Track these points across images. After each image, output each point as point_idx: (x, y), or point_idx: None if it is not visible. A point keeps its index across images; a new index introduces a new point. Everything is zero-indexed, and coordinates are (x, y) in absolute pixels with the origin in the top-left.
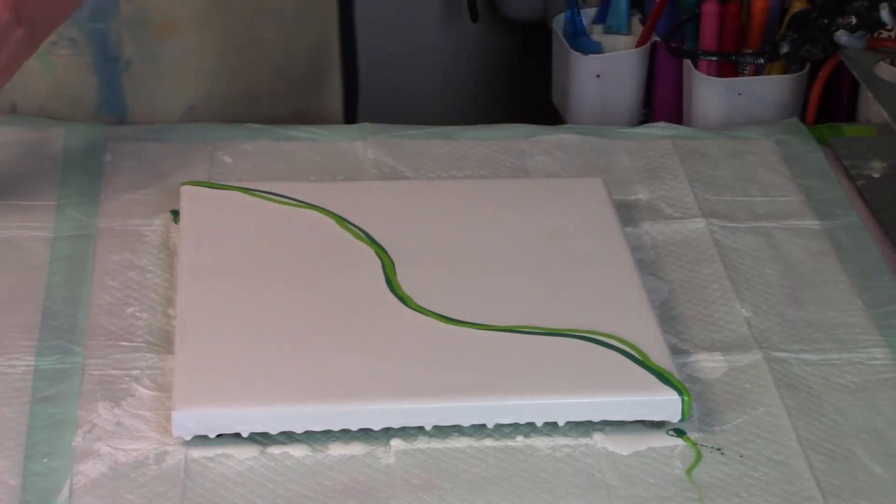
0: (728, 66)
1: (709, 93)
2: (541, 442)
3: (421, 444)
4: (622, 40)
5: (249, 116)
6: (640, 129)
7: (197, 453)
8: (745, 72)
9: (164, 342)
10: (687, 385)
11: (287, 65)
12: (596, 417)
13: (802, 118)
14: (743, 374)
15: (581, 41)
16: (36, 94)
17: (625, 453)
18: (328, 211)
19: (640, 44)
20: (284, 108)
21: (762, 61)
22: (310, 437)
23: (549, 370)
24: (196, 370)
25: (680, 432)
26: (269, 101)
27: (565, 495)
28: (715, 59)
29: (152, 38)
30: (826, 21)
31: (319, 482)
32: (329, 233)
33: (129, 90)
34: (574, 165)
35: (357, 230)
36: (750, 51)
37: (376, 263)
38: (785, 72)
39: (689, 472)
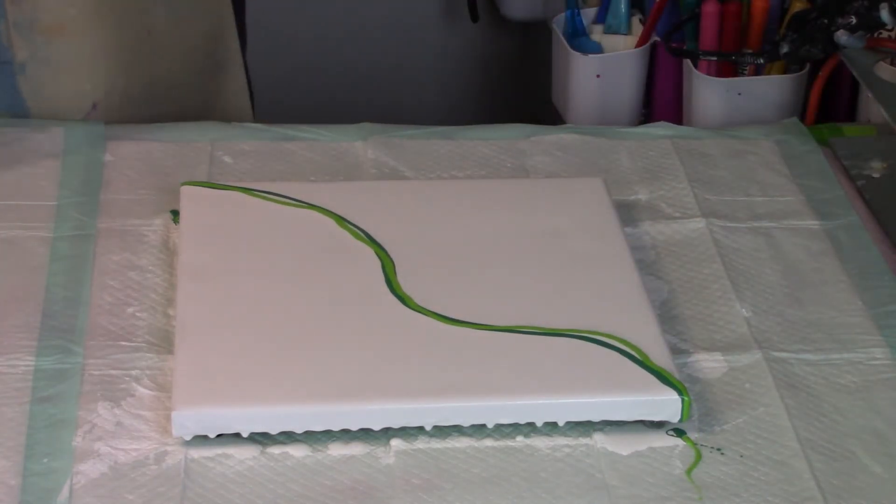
0: (728, 66)
1: (709, 93)
2: (541, 442)
3: (421, 444)
4: (622, 40)
5: (152, 113)
6: (640, 129)
7: (197, 453)
8: (745, 72)
9: (164, 342)
10: (687, 385)
11: (185, 57)
12: (596, 417)
13: (802, 118)
14: (743, 374)
15: (581, 41)
16: None
17: (625, 453)
18: (328, 211)
19: (640, 44)
20: (189, 104)
21: (762, 61)
22: (310, 437)
23: (549, 370)
24: (196, 370)
25: (680, 432)
26: (172, 95)
27: (565, 495)
28: (715, 59)
29: (43, 39)
30: (826, 21)
31: (319, 482)
32: (329, 233)
33: (28, 92)
34: (574, 165)
35: (357, 230)
36: (750, 51)
37: (376, 263)
38: (785, 72)
39: (689, 472)
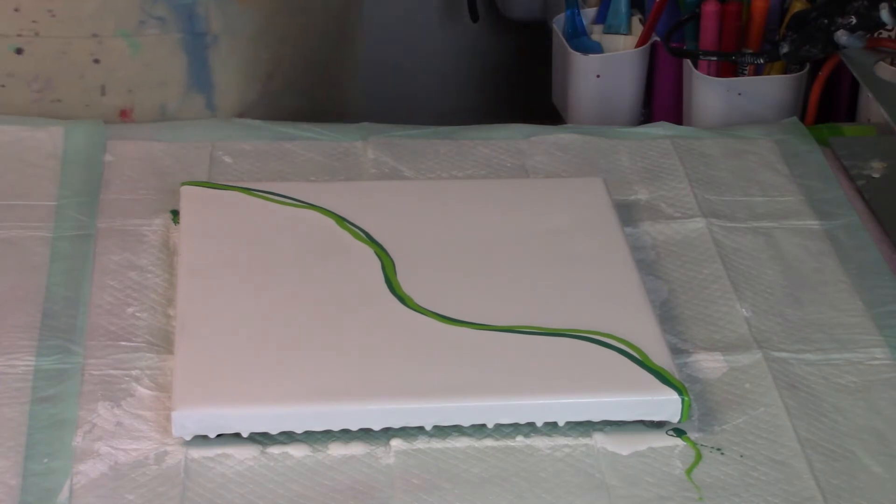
0: (728, 66)
1: (709, 93)
2: (541, 442)
3: (421, 444)
4: (622, 40)
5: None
6: (640, 129)
7: (197, 453)
8: (745, 72)
9: (164, 342)
10: (687, 385)
11: (320, 38)
12: (596, 417)
13: (802, 118)
14: (743, 374)
15: (581, 41)
16: (124, 76)
17: (625, 453)
18: (328, 211)
19: (640, 44)
20: (317, 83)
21: (762, 61)
22: (310, 437)
23: (549, 370)
24: (196, 370)
25: (680, 432)
26: (309, 76)
27: (565, 495)
28: (715, 59)
29: (237, 9)
30: (826, 21)
31: (319, 482)
32: (329, 233)
33: (215, 64)
34: (574, 165)
35: (357, 230)
36: (750, 51)
37: (376, 263)
38: (785, 72)
39: (689, 472)
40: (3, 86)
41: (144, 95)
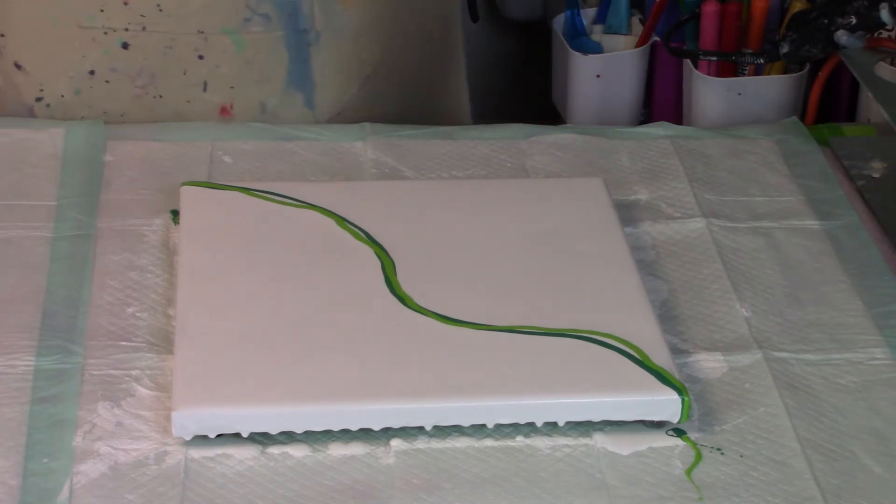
0: (728, 66)
1: (709, 93)
2: (541, 442)
3: (421, 444)
4: (622, 40)
5: (397, 105)
6: (640, 129)
7: (197, 453)
8: (745, 72)
9: (164, 342)
10: (687, 385)
11: (422, 42)
12: (596, 417)
13: (802, 118)
14: (743, 374)
15: (581, 41)
16: (227, 73)
17: (625, 453)
18: (328, 211)
19: (640, 44)
20: (417, 90)
21: (762, 61)
22: (310, 437)
23: (549, 370)
24: (196, 370)
25: (680, 432)
26: (408, 80)
27: (565, 495)
28: (715, 59)
29: (339, 8)
30: (826, 21)
31: (319, 482)
32: (329, 233)
33: (316, 63)
34: (574, 165)
35: (357, 230)
36: (750, 51)
37: (376, 263)
38: (785, 72)
39: (689, 472)
40: (106, 81)
41: (245, 92)
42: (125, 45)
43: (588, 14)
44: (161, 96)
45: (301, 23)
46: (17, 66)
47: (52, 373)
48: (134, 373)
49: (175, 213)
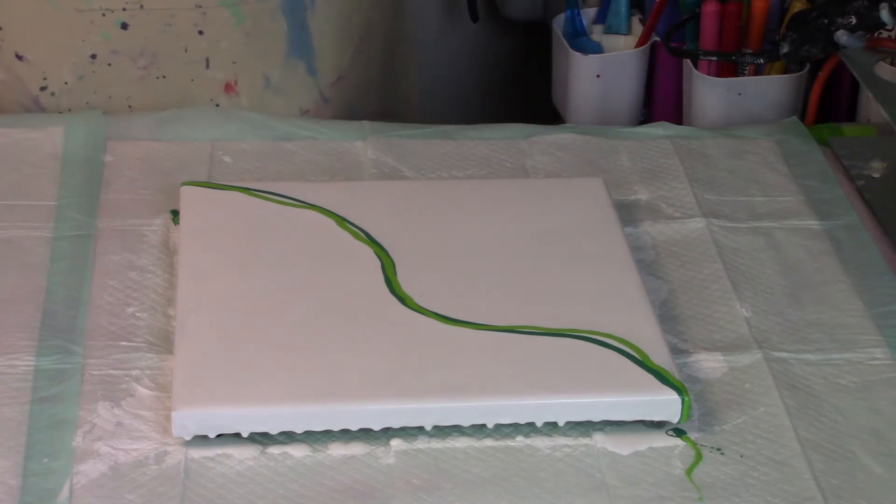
0: (728, 66)
1: (709, 93)
2: (541, 442)
3: (421, 444)
4: (622, 40)
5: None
6: (640, 129)
7: (197, 453)
8: (745, 72)
9: (164, 342)
10: (687, 385)
11: (376, 39)
12: (596, 417)
13: (802, 118)
14: (743, 374)
15: (581, 41)
16: (229, 47)
17: (625, 453)
18: (328, 211)
19: (640, 44)
20: (370, 89)
21: (762, 61)
22: (310, 437)
23: (549, 370)
24: (196, 370)
25: (680, 432)
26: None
27: (565, 495)
28: (715, 59)
29: None
30: (826, 21)
31: (319, 482)
32: (329, 233)
33: (314, 30)
34: (574, 165)
35: (357, 230)
36: (750, 51)
37: (376, 263)
38: (785, 72)
39: (689, 472)
40: (109, 64)
41: (247, 66)
42: (124, 26)
43: (588, 14)
44: (164, 76)
45: None
46: (19, 57)
47: (52, 373)
48: (134, 373)
49: (175, 213)
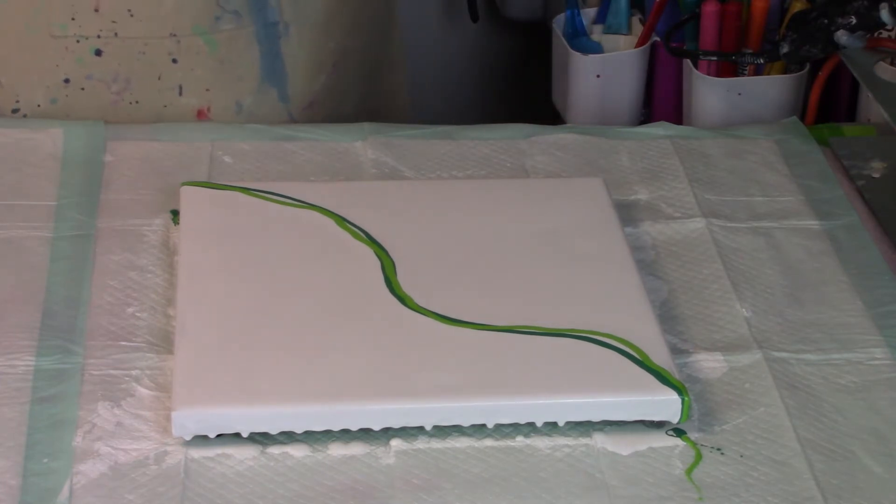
0: (728, 66)
1: (709, 93)
2: (541, 442)
3: (421, 444)
4: (622, 40)
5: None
6: (640, 129)
7: (197, 453)
8: (745, 72)
9: (164, 342)
10: (687, 385)
11: (363, 38)
12: (596, 417)
13: (802, 118)
14: (743, 374)
15: (581, 41)
16: (201, 75)
17: (625, 453)
18: (328, 211)
19: (640, 44)
20: (357, 87)
21: (762, 61)
22: (310, 437)
23: (549, 370)
24: (196, 370)
25: (680, 432)
26: (351, 74)
27: (565, 495)
28: (715, 59)
29: None
30: (826, 21)
31: (319, 482)
32: (329, 233)
33: (288, 57)
34: (574, 165)
35: (357, 230)
36: (750, 51)
37: (376, 263)
38: (785, 72)
39: (689, 472)
40: (82, 89)
41: (220, 93)
42: (98, 52)
43: (588, 14)
44: (137, 102)
45: (270, 15)
46: None
47: (52, 373)
48: (134, 373)
49: (175, 213)
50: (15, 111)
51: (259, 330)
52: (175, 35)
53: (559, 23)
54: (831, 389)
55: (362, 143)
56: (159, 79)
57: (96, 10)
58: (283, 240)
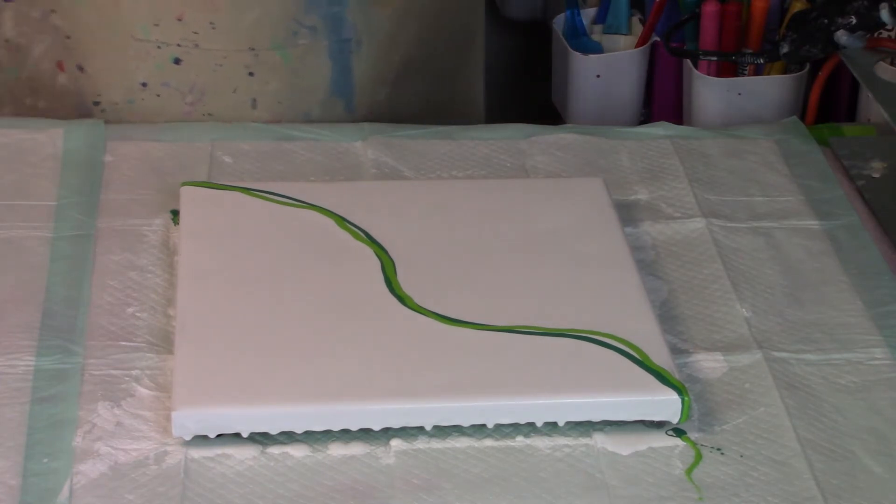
0: (728, 66)
1: (709, 93)
2: (541, 442)
3: (421, 444)
4: (622, 40)
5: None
6: (640, 129)
7: (197, 453)
8: (745, 72)
9: (164, 342)
10: (687, 385)
11: (441, 37)
12: (596, 417)
13: (802, 118)
14: (743, 374)
15: (581, 41)
16: (275, 89)
17: (625, 453)
18: (328, 211)
19: (640, 44)
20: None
21: (762, 61)
22: (310, 437)
23: (549, 370)
24: (196, 370)
25: (680, 432)
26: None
27: (565, 495)
28: (715, 59)
29: (378, 13)
30: (826, 21)
31: (319, 482)
32: (329, 233)
33: (357, 71)
34: (574, 165)
35: (357, 230)
36: (750, 51)
37: (376, 263)
38: (785, 72)
39: (689, 472)
40: (157, 95)
41: (291, 105)
42: (177, 61)
43: (588, 14)
44: (210, 114)
45: (345, 32)
46: (80, 69)
47: (52, 373)
48: (134, 373)
49: (175, 213)
50: (96, 104)
51: (259, 330)
52: (254, 49)
53: (559, 23)
54: (831, 389)
55: (362, 143)
56: (234, 92)
57: (179, 20)
58: (283, 240)
